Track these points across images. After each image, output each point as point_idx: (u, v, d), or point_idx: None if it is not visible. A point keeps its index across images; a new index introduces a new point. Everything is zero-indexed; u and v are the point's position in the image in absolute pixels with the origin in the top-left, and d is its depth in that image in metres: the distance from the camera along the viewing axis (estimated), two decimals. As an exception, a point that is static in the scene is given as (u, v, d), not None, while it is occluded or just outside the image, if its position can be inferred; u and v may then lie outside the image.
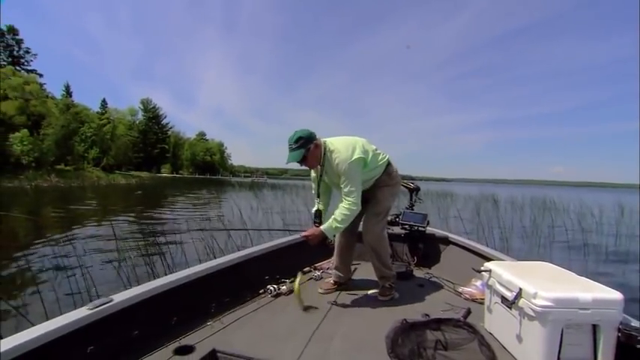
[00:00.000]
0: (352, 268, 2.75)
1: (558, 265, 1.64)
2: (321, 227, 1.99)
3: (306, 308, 1.93)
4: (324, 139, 2.07)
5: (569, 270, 1.56)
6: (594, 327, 1.27)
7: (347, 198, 1.96)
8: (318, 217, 2.20)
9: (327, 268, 2.58)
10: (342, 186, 1.99)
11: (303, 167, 2.08)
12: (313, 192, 2.29)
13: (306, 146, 1.95)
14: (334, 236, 2.19)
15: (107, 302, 1.34)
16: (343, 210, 1.95)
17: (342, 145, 2.02)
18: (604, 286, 1.34)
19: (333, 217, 1.98)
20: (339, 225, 1.96)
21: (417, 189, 3.11)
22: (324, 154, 2.03)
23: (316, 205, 2.25)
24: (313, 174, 2.24)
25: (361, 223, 2.25)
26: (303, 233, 2.03)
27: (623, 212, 11.73)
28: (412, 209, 3.07)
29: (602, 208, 12.52)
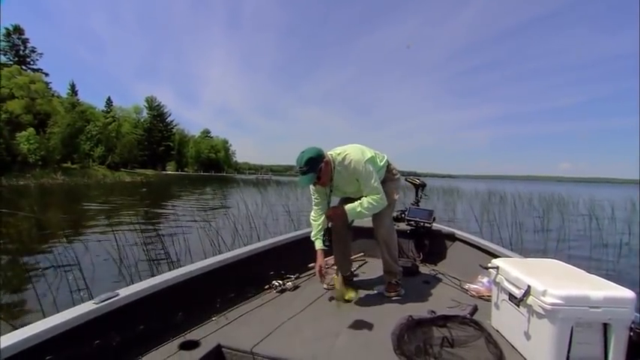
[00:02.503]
0: (357, 263, 2.74)
1: (568, 263, 1.61)
2: (345, 207, 1.97)
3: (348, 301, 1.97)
4: (329, 153, 2.03)
5: (580, 268, 1.53)
6: (605, 326, 1.24)
7: (372, 195, 1.95)
8: (328, 235, 2.13)
9: (332, 265, 2.57)
10: (364, 187, 1.96)
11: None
12: (317, 213, 2.19)
13: (317, 167, 1.87)
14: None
15: (113, 297, 1.34)
16: (371, 200, 1.94)
17: (351, 150, 2.01)
18: (615, 284, 1.31)
19: (359, 202, 1.96)
20: (363, 210, 1.94)
21: (423, 185, 3.09)
22: (334, 168, 1.99)
23: (322, 223, 2.16)
24: (315, 195, 2.17)
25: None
26: (327, 212, 2.01)
27: (635, 208, 11.49)
28: (418, 205, 3.04)
29: (612, 204, 12.32)
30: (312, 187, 2.13)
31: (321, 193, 2.16)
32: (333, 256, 2.39)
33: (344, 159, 1.98)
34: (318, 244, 2.12)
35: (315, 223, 2.18)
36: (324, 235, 2.12)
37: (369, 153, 2.02)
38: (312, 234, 2.18)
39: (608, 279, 1.35)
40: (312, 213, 2.22)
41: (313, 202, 2.21)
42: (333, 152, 2.03)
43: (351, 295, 2.03)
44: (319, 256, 2.10)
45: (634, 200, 13.19)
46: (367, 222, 2.21)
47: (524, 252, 5.11)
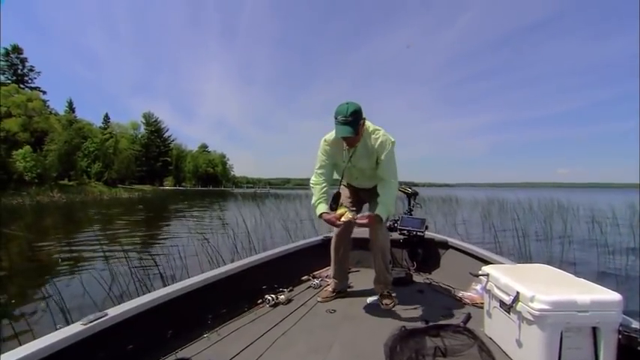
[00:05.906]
0: (351, 275, 2.73)
1: (561, 269, 1.61)
2: (378, 213, 1.90)
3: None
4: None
5: (571, 272, 1.53)
6: (594, 329, 1.24)
7: (391, 180, 1.94)
8: (336, 202, 2.00)
9: (326, 276, 2.55)
10: (384, 167, 1.94)
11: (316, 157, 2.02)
12: (319, 178, 2.06)
13: (359, 122, 1.83)
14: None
15: (101, 317, 1.32)
16: (390, 191, 1.91)
17: (380, 128, 1.99)
18: (603, 288, 1.30)
19: (381, 202, 1.92)
20: (391, 208, 1.93)
21: (415, 194, 3.09)
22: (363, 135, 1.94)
23: (326, 188, 2.04)
24: (323, 157, 2.07)
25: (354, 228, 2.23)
26: (360, 221, 1.90)
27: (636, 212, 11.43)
28: (410, 214, 3.04)
29: (612, 209, 12.27)
30: (324, 147, 2.06)
31: (330, 156, 2.07)
32: (328, 268, 2.38)
33: (374, 132, 1.96)
34: (322, 208, 1.98)
35: (319, 187, 2.03)
36: (333, 202, 1.98)
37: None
38: (314, 199, 2.02)
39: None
40: (313, 177, 2.09)
41: (317, 165, 2.09)
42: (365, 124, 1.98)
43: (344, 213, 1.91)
44: (326, 215, 1.94)
45: (634, 205, 13.08)
46: (363, 232, 2.19)
47: (530, 260, 5.06)
